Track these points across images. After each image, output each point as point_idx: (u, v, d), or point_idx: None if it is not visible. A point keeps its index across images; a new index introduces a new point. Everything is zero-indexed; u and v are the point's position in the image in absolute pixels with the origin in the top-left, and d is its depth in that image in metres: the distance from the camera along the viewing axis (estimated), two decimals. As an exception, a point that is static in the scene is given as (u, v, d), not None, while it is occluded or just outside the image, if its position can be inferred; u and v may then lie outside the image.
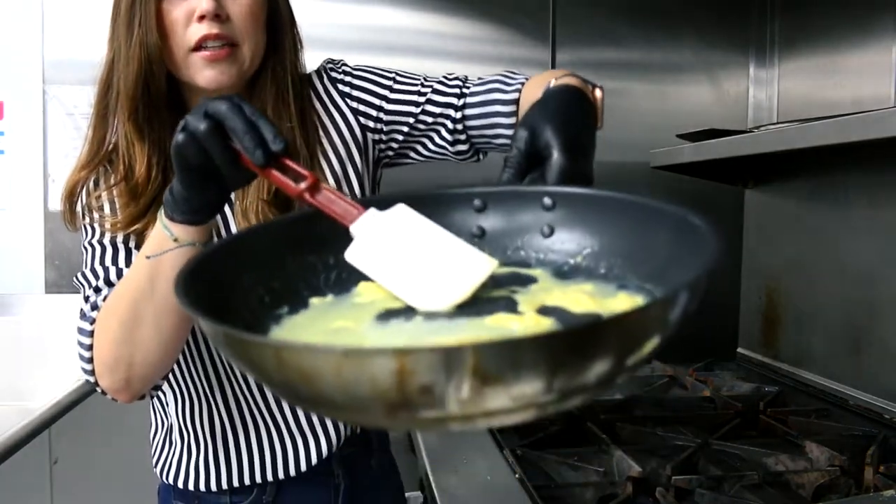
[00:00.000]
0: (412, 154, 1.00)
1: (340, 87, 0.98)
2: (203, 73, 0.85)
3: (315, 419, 0.99)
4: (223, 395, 0.97)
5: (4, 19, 1.83)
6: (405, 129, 0.97)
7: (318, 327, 0.52)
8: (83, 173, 0.90)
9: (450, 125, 0.94)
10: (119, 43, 0.85)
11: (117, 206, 0.88)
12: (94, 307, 0.85)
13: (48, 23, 1.80)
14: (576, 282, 0.55)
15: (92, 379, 0.84)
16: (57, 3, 1.80)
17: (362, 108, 0.97)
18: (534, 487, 0.97)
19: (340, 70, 1.00)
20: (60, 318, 1.70)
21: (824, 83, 1.70)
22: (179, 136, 0.64)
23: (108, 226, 0.88)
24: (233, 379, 0.96)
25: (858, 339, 1.47)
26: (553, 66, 1.85)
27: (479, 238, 0.61)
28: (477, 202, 0.61)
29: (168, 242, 0.73)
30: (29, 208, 1.84)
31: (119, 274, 0.86)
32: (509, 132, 0.88)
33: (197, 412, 0.98)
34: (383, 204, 0.59)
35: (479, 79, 0.94)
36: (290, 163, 0.62)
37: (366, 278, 0.57)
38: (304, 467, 0.99)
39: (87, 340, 0.83)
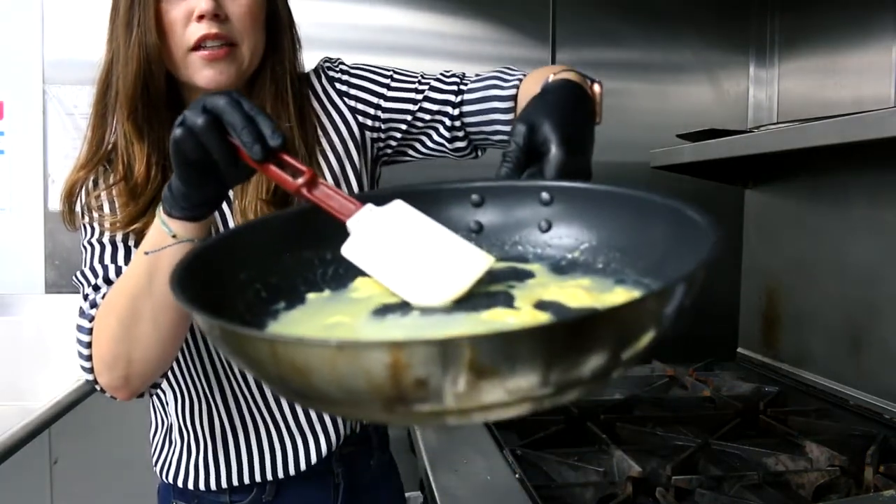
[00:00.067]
0: (410, 152, 1.00)
1: (338, 85, 0.99)
2: (202, 72, 0.85)
3: (314, 418, 0.99)
4: (223, 395, 0.97)
5: (4, 19, 1.83)
6: (403, 126, 0.97)
7: (315, 322, 0.52)
8: (82, 173, 0.90)
9: (447, 122, 0.94)
10: (118, 43, 0.85)
11: (117, 205, 0.88)
12: (93, 305, 0.85)
13: (48, 23, 1.81)
14: (573, 277, 0.55)
15: (91, 377, 0.84)
16: (57, 3, 1.80)
17: (360, 106, 0.98)
18: (534, 487, 0.97)
19: (338, 69, 1.00)
20: (60, 318, 1.70)
21: (824, 83, 1.70)
22: (177, 131, 0.64)
23: (107, 225, 0.88)
24: (232, 378, 0.96)
25: (858, 339, 1.47)
26: (553, 66, 1.85)
27: (476, 233, 0.61)
28: (474, 197, 0.61)
29: (166, 238, 0.73)
30: (29, 208, 1.85)
31: (118, 272, 0.87)
32: (507, 128, 0.88)
33: (196, 411, 0.98)
34: (380, 199, 0.59)
35: (477, 75, 0.94)
36: (287, 158, 0.62)
37: (363, 273, 0.57)
38: (303, 466, 0.99)
39: (85, 338, 0.83)
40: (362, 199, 0.59)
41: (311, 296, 0.57)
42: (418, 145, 0.99)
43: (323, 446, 0.99)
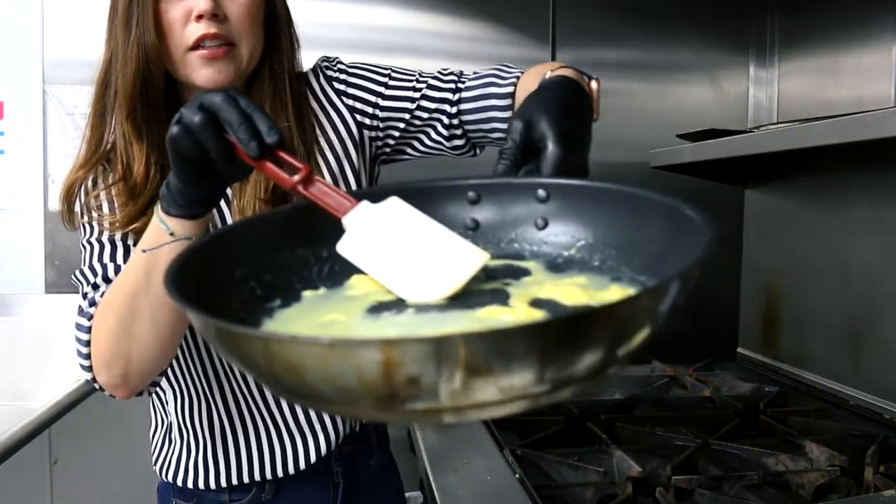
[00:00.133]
0: (409, 150, 1.00)
1: (336, 85, 0.99)
2: (201, 71, 0.85)
3: (314, 417, 0.99)
4: (222, 394, 0.97)
5: (4, 19, 1.83)
6: (401, 125, 0.97)
7: (310, 320, 0.52)
8: (81, 172, 0.90)
9: (445, 120, 0.94)
10: (117, 43, 0.85)
11: (116, 205, 0.88)
12: (92, 303, 0.85)
13: (48, 23, 1.80)
14: (569, 274, 0.55)
15: (90, 375, 0.84)
16: (57, 3, 1.80)
17: (358, 105, 0.98)
18: (534, 487, 0.97)
19: (336, 68, 1.00)
20: (60, 318, 1.70)
21: (824, 83, 1.70)
22: (174, 129, 0.64)
23: (106, 225, 0.88)
24: (231, 377, 0.96)
25: (858, 339, 1.47)
26: (553, 66, 1.85)
27: (472, 230, 0.61)
28: (471, 194, 0.61)
29: (164, 236, 0.73)
30: (29, 208, 1.84)
31: (117, 271, 0.87)
32: (505, 126, 0.88)
33: (196, 410, 0.98)
34: (377, 197, 0.59)
35: (475, 73, 0.95)
36: (284, 155, 0.62)
37: (359, 271, 0.57)
38: (302, 465, 0.99)
39: (84, 336, 0.83)
40: (358, 196, 0.59)
41: (306, 293, 0.57)
42: (416, 143, 0.99)
43: (322, 445, 0.99)
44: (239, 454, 0.98)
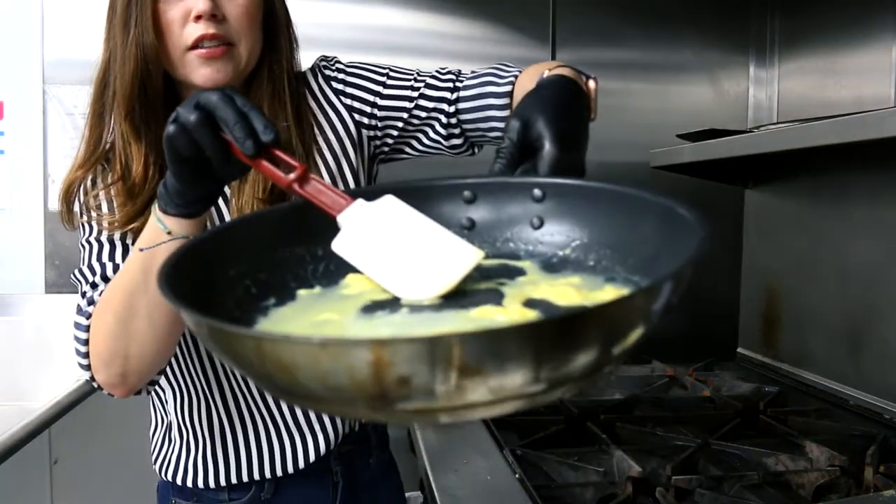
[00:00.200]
0: (407, 149, 1.00)
1: (334, 84, 0.99)
2: (199, 71, 0.85)
3: (313, 417, 0.99)
4: (221, 393, 0.97)
5: (4, 19, 1.83)
6: (399, 124, 0.97)
7: (304, 320, 0.52)
8: (80, 172, 0.90)
9: (444, 119, 0.94)
10: (115, 43, 0.85)
11: (115, 204, 0.88)
12: (91, 302, 0.85)
13: (48, 23, 1.80)
14: (564, 274, 0.55)
15: (88, 374, 0.84)
16: (57, 3, 1.80)
17: (356, 104, 0.98)
18: (534, 487, 0.97)
19: (334, 67, 1.00)
20: (61, 318, 1.70)
21: (824, 83, 1.70)
22: (170, 128, 0.64)
23: (105, 224, 0.88)
24: (231, 376, 0.96)
25: (858, 339, 1.47)
26: (553, 66, 1.85)
27: (468, 229, 0.61)
28: (467, 193, 0.61)
29: (161, 235, 0.73)
30: (29, 208, 1.84)
31: (116, 270, 0.87)
32: (503, 125, 0.88)
33: (195, 409, 0.98)
34: (373, 195, 0.59)
35: (473, 72, 0.95)
36: (280, 154, 0.62)
37: (354, 270, 0.57)
38: (301, 464, 0.99)
39: (83, 335, 0.83)
40: (354, 194, 0.59)
41: (301, 292, 0.57)
42: (415, 143, 0.99)
43: (321, 444, 0.99)
44: (238, 453, 0.98)
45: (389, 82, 0.97)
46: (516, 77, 0.89)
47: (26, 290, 1.83)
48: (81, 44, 1.77)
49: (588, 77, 0.77)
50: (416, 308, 0.51)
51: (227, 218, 0.93)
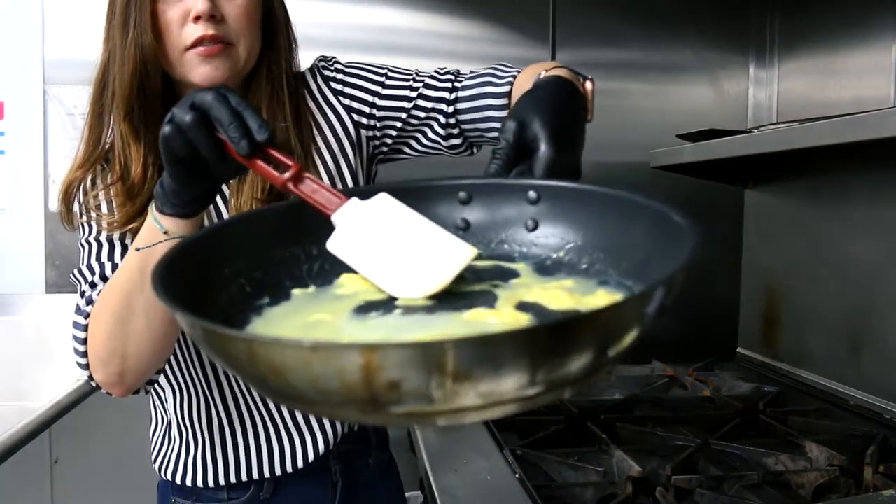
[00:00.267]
0: (406, 149, 1.00)
1: (333, 84, 0.99)
2: (198, 69, 0.85)
3: (312, 416, 0.99)
4: (220, 392, 0.97)
5: (4, 19, 1.83)
6: (398, 124, 0.97)
7: (297, 320, 0.52)
8: (79, 172, 0.90)
9: (442, 119, 0.94)
10: (114, 43, 0.85)
11: (114, 205, 0.88)
12: (89, 302, 0.85)
13: (48, 23, 1.80)
14: (557, 277, 0.56)
15: (87, 373, 0.85)
16: (57, 3, 1.80)
17: (355, 104, 0.98)
18: (534, 487, 0.97)
19: (333, 68, 1.00)
20: (61, 318, 1.70)
21: (824, 83, 1.70)
22: (166, 128, 0.64)
23: (104, 224, 0.88)
24: (230, 375, 0.96)
25: (858, 339, 1.47)
26: (553, 66, 1.85)
27: (463, 230, 0.61)
28: (462, 194, 0.61)
29: (158, 235, 0.73)
30: (29, 208, 1.84)
31: (114, 269, 0.87)
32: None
33: (195, 408, 0.98)
34: (368, 195, 0.59)
35: (471, 72, 0.95)
36: (275, 153, 0.62)
37: (349, 269, 0.57)
38: (301, 464, 0.99)
39: (81, 334, 0.83)
40: (348, 193, 0.59)
41: (296, 292, 0.57)
42: (414, 143, 0.99)
43: (320, 444, 0.99)
44: (237, 452, 0.98)
45: (388, 82, 0.97)
46: (515, 77, 0.89)
47: (27, 290, 1.83)
48: (82, 44, 1.77)
49: (585, 78, 0.77)
50: (409, 309, 0.51)
51: (226, 217, 0.93)
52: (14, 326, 1.76)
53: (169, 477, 1.02)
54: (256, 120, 0.62)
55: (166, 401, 1.02)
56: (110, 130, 0.89)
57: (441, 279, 0.52)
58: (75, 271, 0.90)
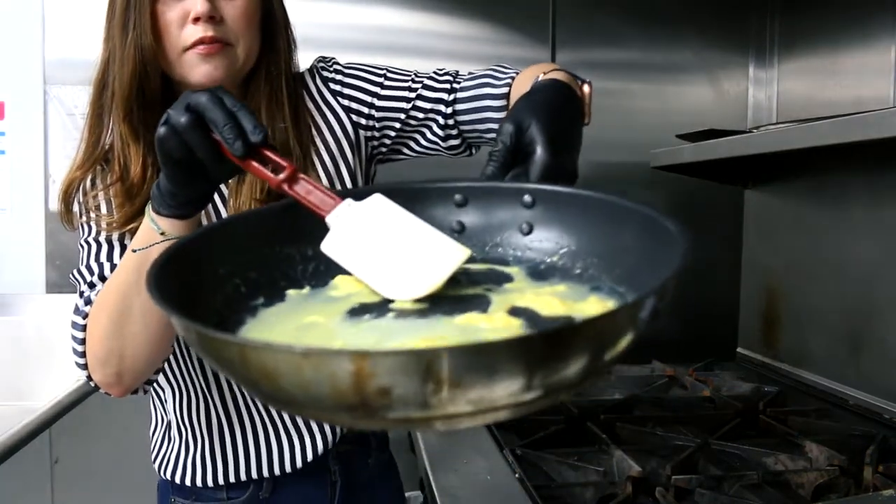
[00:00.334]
0: (405, 150, 1.00)
1: (332, 85, 0.99)
2: (197, 69, 0.85)
3: (310, 418, 0.99)
4: (220, 392, 0.97)
5: (4, 19, 1.83)
6: (397, 124, 0.97)
7: (291, 322, 0.52)
8: (79, 173, 0.90)
9: (441, 120, 0.94)
10: (114, 44, 0.86)
11: (113, 205, 0.88)
12: (88, 302, 0.85)
13: (48, 23, 1.81)
14: (550, 282, 0.56)
15: (85, 373, 0.85)
16: (57, 3, 1.80)
17: (354, 105, 0.98)
18: (534, 487, 0.97)
19: (332, 68, 1.00)
20: (61, 318, 1.70)
21: (824, 83, 1.70)
22: (161, 130, 0.64)
23: (104, 225, 0.88)
24: (230, 376, 0.96)
25: (858, 339, 1.47)
26: (553, 67, 1.85)
27: (458, 233, 0.61)
28: (457, 197, 0.61)
29: (155, 236, 0.73)
30: (30, 208, 1.85)
31: (113, 270, 0.87)
32: None
33: (194, 408, 0.98)
34: (362, 195, 0.59)
35: (470, 73, 0.95)
36: (270, 153, 0.62)
37: (344, 271, 0.57)
38: (300, 464, 0.99)
39: (79, 335, 0.84)
40: (343, 194, 0.59)
41: (290, 292, 0.57)
42: (412, 143, 0.99)
43: (319, 444, 0.99)
44: (236, 452, 0.99)
45: (387, 83, 0.97)
46: (513, 79, 0.89)
47: (27, 290, 1.83)
48: (82, 44, 1.77)
49: (583, 81, 0.77)
50: (402, 313, 0.51)
51: (225, 217, 0.93)
52: (14, 326, 1.77)
53: (168, 476, 1.03)
54: (251, 121, 0.62)
55: (166, 401, 1.02)
56: (110, 131, 0.89)
57: (433, 281, 0.53)
58: (75, 272, 0.90)
